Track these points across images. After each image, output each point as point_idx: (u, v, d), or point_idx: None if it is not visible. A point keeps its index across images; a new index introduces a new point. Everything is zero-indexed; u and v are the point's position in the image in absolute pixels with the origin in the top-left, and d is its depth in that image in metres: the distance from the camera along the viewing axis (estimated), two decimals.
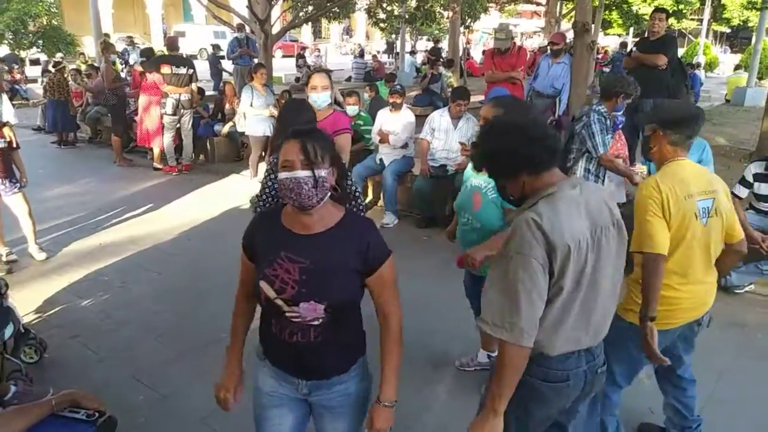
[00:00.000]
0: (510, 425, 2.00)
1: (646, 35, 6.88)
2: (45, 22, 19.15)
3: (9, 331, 3.45)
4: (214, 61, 16.00)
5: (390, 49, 28.83)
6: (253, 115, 7.93)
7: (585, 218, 1.90)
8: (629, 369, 2.76)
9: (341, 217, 1.93)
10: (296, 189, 1.80)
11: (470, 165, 3.37)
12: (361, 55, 21.79)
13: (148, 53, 10.52)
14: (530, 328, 1.82)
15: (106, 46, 10.38)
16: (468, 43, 26.05)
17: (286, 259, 1.86)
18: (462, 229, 3.34)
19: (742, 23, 32.87)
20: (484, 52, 8.85)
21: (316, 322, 1.87)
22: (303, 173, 1.80)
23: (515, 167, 1.93)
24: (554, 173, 1.96)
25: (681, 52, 20.89)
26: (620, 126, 4.76)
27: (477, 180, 3.22)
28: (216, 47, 17.03)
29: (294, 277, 1.84)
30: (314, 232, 1.89)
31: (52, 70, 11.17)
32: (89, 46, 17.01)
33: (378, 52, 25.02)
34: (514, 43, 7.55)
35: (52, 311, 4.50)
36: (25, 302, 4.48)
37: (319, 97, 3.89)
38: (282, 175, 1.83)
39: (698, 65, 17.74)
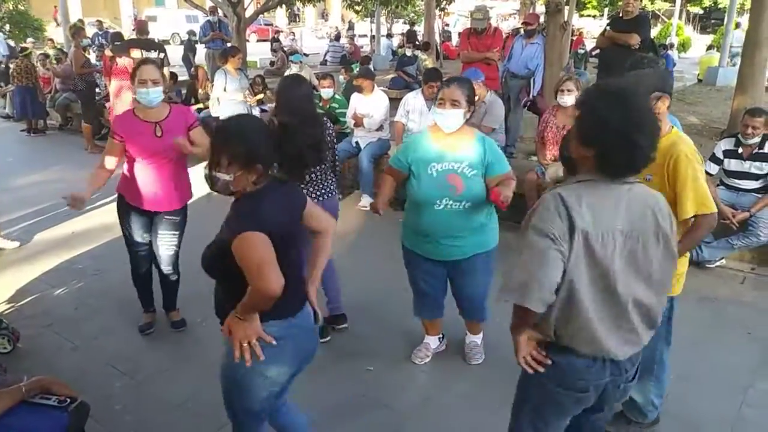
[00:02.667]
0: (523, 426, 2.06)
1: (620, 15, 6.91)
2: (11, 7, 18.66)
3: None
4: (190, 47, 15.67)
5: (350, 26, 28.82)
6: (228, 100, 7.83)
7: (621, 217, 1.79)
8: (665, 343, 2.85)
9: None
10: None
11: (414, 152, 3.22)
12: (337, 38, 21.59)
13: (117, 38, 10.30)
14: (544, 294, 1.76)
15: (76, 31, 10.14)
16: (445, 25, 25.95)
17: None
18: (435, 217, 3.15)
19: (713, 4, 33.25)
20: (459, 33, 8.80)
21: None
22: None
23: (592, 139, 1.77)
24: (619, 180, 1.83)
25: (654, 32, 21.08)
26: None
27: (442, 164, 3.10)
28: (192, 33, 16.61)
29: None
30: None
31: (19, 56, 10.89)
32: (56, 32, 16.61)
33: (355, 35, 24.79)
34: (490, 24, 7.53)
35: (25, 301, 4.43)
36: None
37: (149, 93, 3.48)
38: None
39: (671, 45, 17.90)
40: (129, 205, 3.69)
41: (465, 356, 3.64)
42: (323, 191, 3.68)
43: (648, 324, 1.94)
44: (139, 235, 3.76)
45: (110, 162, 3.60)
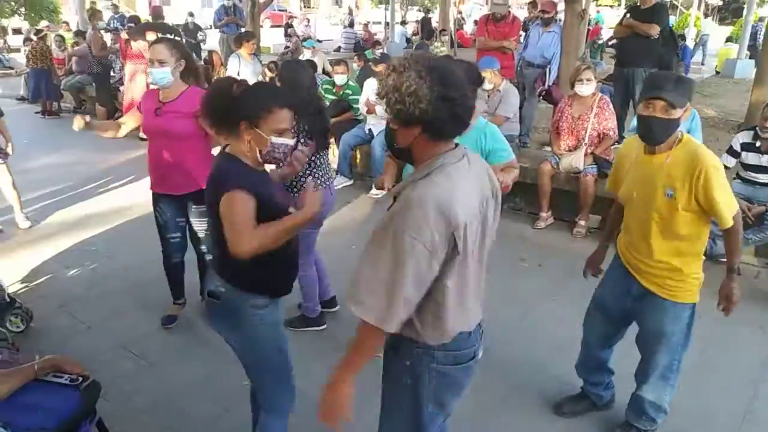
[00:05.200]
0: (423, 421, 1.92)
1: (638, 4, 6.80)
2: None
3: None
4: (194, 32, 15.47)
5: (349, 12, 28.60)
6: None
7: (476, 193, 1.76)
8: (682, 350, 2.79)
9: None
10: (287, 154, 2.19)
11: None
12: (351, 25, 21.48)
13: (134, 21, 10.32)
14: (404, 315, 1.67)
15: (93, 13, 10.17)
16: (459, 13, 25.75)
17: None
18: None
19: None
20: (476, 21, 8.71)
21: None
22: (293, 141, 2.15)
23: (413, 117, 1.66)
24: (450, 143, 1.76)
25: (672, 22, 20.79)
26: (608, 95, 4.74)
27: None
28: (190, 14, 16.19)
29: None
30: None
31: (34, 38, 10.94)
32: (69, 15, 16.59)
33: (353, 21, 24.59)
34: (510, 11, 7.45)
35: (39, 281, 4.48)
36: (11, 272, 4.45)
37: (153, 73, 3.41)
38: (277, 140, 2.12)
39: (703, 42, 17.70)
40: (155, 192, 3.68)
41: None
42: (327, 177, 3.68)
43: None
44: (171, 221, 3.69)
45: (125, 119, 3.73)
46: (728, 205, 2.43)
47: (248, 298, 2.19)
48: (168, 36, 8.17)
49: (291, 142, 2.20)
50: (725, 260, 2.79)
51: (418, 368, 1.86)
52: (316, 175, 3.57)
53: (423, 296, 1.70)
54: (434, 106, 1.62)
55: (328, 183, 3.66)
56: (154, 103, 3.53)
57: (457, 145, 1.79)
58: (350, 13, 28.55)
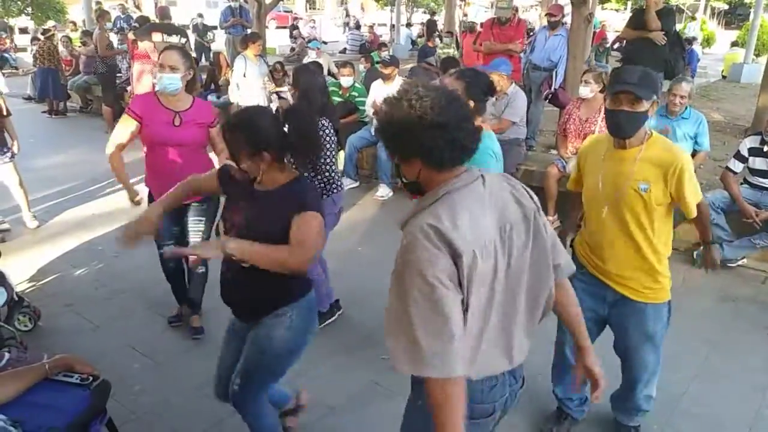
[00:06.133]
0: None
1: (644, 7, 6.79)
2: None
3: (2, 298, 3.44)
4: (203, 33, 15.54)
5: (347, 14, 28.68)
6: (247, 86, 7.84)
7: (490, 216, 1.62)
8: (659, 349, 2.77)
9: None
10: None
11: None
12: (357, 27, 21.51)
13: (142, 21, 10.35)
14: (460, 353, 1.51)
15: (101, 14, 10.21)
16: (465, 15, 25.75)
17: None
18: None
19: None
20: (481, 24, 8.70)
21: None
22: None
23: (408, 150, 1.62)
24: (459, 168, 1.65)
25: (690, 27, 20.80)
26: None
27: None
28: (199, 15, 16.24)
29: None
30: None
31: (42, 37, 10.98)
32: (76, 14, 16.67)
33: (349, 23, 24.67)
34: (515, 14, 7.46)
35: (46, 280, 4.49)
36: (19, 271, 4.47)
37: (163, 78, 3.38)
38: None
39: (694, 39, 17.61)
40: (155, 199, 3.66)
41: None
42: (333, 184, 3.70)
43: (536, 313, 1.78)
44: (166, 231, 3.60)
45: (123, 135, 3.54)
46: (695, 195, 2.48)
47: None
48: (175, 43, 8.24)
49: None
50: (731, 264, 2.84)
51: (428, 412, 1.65)
52: (336, 174, 3.67)
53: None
54: (426, 135, 1.56)
55: (336, 189, 3.71)
56: (163, 112, 3.45)
57: (469, 168, 1.68)
58: (347, 14, 28.61)
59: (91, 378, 2.32)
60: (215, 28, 14.74)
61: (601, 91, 5.35)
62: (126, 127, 3.51)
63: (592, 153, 2.68)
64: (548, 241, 1.75)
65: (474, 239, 1.55)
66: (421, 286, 1.50)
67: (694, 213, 2.52)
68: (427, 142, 1.56)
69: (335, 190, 3.72)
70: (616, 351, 2.83)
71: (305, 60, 8.90)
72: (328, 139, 3.58)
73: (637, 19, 6.61)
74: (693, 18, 17.28)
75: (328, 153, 3.59)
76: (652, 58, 6.38)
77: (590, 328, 2.75)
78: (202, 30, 14.17)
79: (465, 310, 1.56)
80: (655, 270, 2.56)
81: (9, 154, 5.20)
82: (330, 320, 3.94)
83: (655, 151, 2.45)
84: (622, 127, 2.43)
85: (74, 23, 16.21)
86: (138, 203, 3.66)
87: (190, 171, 3.50)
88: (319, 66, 3.83)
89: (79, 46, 11.24)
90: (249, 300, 2.35)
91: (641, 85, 2.37)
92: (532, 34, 9.26)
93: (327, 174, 3.64)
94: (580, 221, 2.89)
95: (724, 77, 15.59)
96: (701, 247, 2.92)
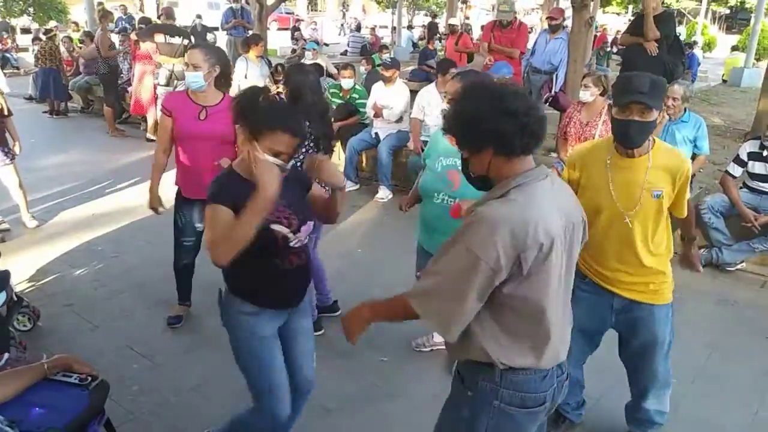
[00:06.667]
0: None
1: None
2: None
3: (1, 298, 3.44)
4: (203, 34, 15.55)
5: (343, 15, 28.76)
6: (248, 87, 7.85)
7: (558, 214, 1.69)
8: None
9: None
10: None
11: (432, 145, 3.30)
12: (358, 29, 21.54)
13: (144, 22, 10.37)
14: (461, 326, 1.68)
15: (104, 14, 10.22)
16: (466, 18, 25.81)
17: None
18: (433, 211, 3.15)
19: (739, 4, 32.63)
20: (482, 27, 8.75)
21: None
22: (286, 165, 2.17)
23: (481, 140, 1.68)
24: (528, 160, 1.72)
25: (681, 30, 20.79)
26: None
27: (447, 159, 3.11)
28: (198, 16, 16.23)
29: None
30: None
31: (43, 37, 10.99)
32: (78, 15, 16.68)
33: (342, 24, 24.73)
34: (516, 18, 7.47)
35: (46, 280, 4.49)
36: (19, 271, 4.46)
37: (188, 76, 3.48)
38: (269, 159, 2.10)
39: (695, 43, 17.65)
40: (185, 196, 3.69)
41: None
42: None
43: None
44: (189, 225, 3.73)
45: (164, 136, 3.64)
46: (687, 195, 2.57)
47: (235, 301, 2.32)
48: (176, 41, 8.20)
49: (282, 164, 2.12)
50: (730, 268, 2.82)
51: (479, 402, 1.77)
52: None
53: (491, 315, 1.70)
54: (499, 121, 1.62)
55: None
56: (191, 107, 3.54)
57: (539, 165, 1.75)
58: (344, 16, 28.69)
59: (89, 378, 2.32)
60: (216, 29, 14.79)
61: (601, 95, 5.36)
62: (164, 127, 3.65)
63: (591, 161, 2.60)
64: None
65: (544, 234, 1.61)
66: (469, 259, 1.60)
67: (685, 210, 2.58)
68: (500, 129, 1.63)
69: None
70: (623, 360, 2.82)
71: (303, 61, 8.90)
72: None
73: (636, 25, 6.63)
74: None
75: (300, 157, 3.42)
76: (651, 62, 6.39)
77: (594, 340, 2.81)
78: (201, 31, 14.20)
79: (536, 302, 1.67)
80: (660, 271, 2.57)
81: (10, 156, 5.21)
82: (330, 315, 3.94)
83: (663, 157, 2.45)
84: (633, 138, 2.40)
85: (76, 24, 16.24)
86: (156, 211, 3.71)
87: (214, 169, 3.55)
88: (320, 67, 3.80)
89: (79, 47, 11.23)
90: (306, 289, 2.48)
91: (652, 94, 2.33)
92: (530, 32, 9.31)
93: None
94: None
95: (724, 81, 15.63)
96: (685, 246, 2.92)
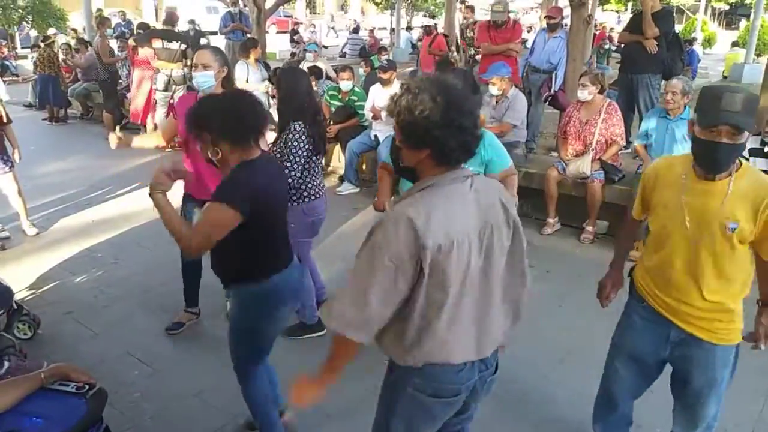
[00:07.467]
0: None
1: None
2: None
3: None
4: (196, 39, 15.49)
5: (332, 18, 28.83)
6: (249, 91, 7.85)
7: (472, 215, 1.72)
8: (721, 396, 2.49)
9: None
10: None
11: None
12: (356, 30, 21.53)
13: (142, 28, 10.38)
14: (374, 327, 1.72)
15: (101, 21, 10.23)
16: (465, 19, 25.80)
17: None
18: None
19: (739, 0, 32.55)
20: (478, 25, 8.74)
21: None
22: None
23: (424, 142, 1.68)
24: (454, 166, 1.75)
25: (679, 28, 20.76)
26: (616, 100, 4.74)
27: None
28: (191, 21, 16.18)
29: None
30: None
31: (42, 45, 10.99)
32: (76, 22, 16.69)
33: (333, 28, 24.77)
34: (509, 17, 7.46)
35: (46, 287, 4.48)
36: (19, 278, 4.46)
37: (196, 77, 3.46)
38: None
39: (694, 40, 17.62)
40: (188, 193, 3.67)
41: None
42: (304, 192, 3.56)
43: (513, 313, 1.94)
44: (190, 215, 3.68)
45: (167, 128, 3.74)
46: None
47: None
48: (173, 47, 8.18)
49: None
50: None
51: (397, 386, 1.89)
52: (309, 182, 3.55)
53: (399, 314, 1.73)
54: (446, 133, 1.64)
55: (309, 198, 3.58)
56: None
57: (462, 168, 1.77)
58: (332, 19, 28.77)
59: (87, 386, 2.31)
60: (213, 33, 14.80)
61: (600, 93, 5.35)
62: (170, 122, 3.76)
63: (664, 181, 2.31)
64: (524, 250, 1.90)
65: (444, 234, 1.65)
66: (374, 256, 1.66)
67: None
68: (444, 140, 1.65)
69: (306, 199, 3.56)
70: (673, 393, 2.58)
71: (303, 64, 8.88)
72: (295, 144, 3.38)
73: (635, 23, 6.62)
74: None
75: (293, 158, 3.38)
76: (650, 60, 6.39)
77: (648, 373, 2.55)
78: (194, 36, 14.21)
79: (437, 300, 1.70)
80: (730, 309, 2.26)
81: (10, 164, 5.20)
82: (316, 334, 3.81)
83: (745, 184, 2.12)
84: (720, 162, 2.10)
85: (75, 30, 16.26)
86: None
87: (212, 167, 3.54)
88: (319, 69, 3.78)
89: (75, 53, 11.18)
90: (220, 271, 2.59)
91: (744, 113, 2.01)
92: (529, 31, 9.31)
93: (291, 181, 3.41)
94: (636, 250, 2.69)
95: (725, 77, 15.60)
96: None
